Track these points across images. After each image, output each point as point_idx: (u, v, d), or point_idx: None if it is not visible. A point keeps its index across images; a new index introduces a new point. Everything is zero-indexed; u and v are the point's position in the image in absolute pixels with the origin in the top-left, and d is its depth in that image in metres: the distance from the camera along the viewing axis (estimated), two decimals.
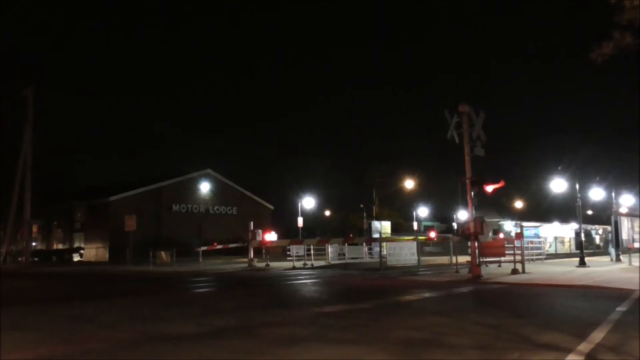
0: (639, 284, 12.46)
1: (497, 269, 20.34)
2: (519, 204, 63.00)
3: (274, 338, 6.22)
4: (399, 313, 8.98)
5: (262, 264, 25.53)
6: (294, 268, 23.51)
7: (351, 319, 7.96)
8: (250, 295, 12.78)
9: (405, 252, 25.90)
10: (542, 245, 31.49)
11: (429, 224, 59.13)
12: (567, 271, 18.86)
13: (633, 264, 21.82)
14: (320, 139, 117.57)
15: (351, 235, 43.92)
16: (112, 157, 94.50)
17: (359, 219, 54.55)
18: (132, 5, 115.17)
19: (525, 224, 32.28)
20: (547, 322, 7.48)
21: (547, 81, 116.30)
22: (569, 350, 5.35)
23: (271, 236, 27.52)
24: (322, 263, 26.34)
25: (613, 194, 28.40)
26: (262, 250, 28.11)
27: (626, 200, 31.57)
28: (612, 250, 26.10)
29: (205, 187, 44.58)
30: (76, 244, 42.83)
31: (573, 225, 36.00)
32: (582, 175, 25.44)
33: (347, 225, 59.40)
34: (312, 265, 25.38)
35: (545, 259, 28.92)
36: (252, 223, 26.07)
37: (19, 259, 32.33)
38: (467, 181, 16.08)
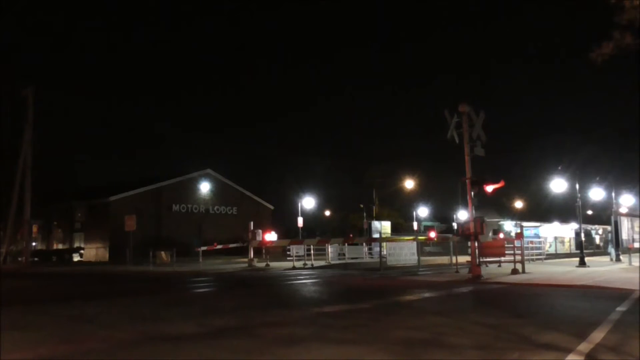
0: (639, 284, 12.47)
1: (497, 269, 20.34)
2: (519, 204, 63.01)
3: (274, 338, 6.22)
4: (399, 313, 8.98)
5: (262, 264, 25.52)
6: (294, 268, 23.51)
7: (351, 319, 7.96)
8: (250, 295, 12.78)
9: (405, 252, 25.89)
10: (542, 245, 31.49)
11: (429, 224, 59.14)
12: (567, 271, 18.86)
13: (633, 264, 21.82)
14: (320, 139, 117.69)
15: (351, 235, 43.91)
16: (112, 157, 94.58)
17: (359, 219, 54.56)
18: (132, 5, 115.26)
19: (525, 224, 32.29)
20: (547, 322, 7.48)
21: (547, 81, 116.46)
22: (569, 350, 5.35)
23: (271, 236, 27.52)
24: (322, 263, 26.34)
25: (613, 194, 28.41)
26: (262, 250, 28.11)
27: (626, 200, 31.59)
28: (612, 250, 26.11)
29: (205, 187, 44.58)
30: (76, 244, 42.82)
31: (573, 225, 36.00)
32: (582, 175, 25.48)
33: (347, 225, 59.41)
34: (312, 265, 25.38)
35: (545, 259, 28.91)
36: (252, 223, 26.07)
37: (19, 259, 32.32)
38: (467, 181, 16.08)
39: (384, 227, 37.98)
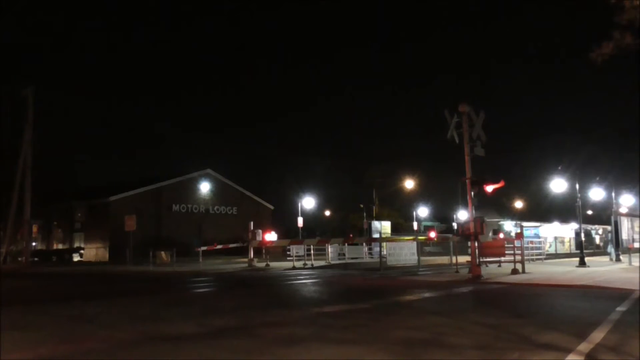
0: (639, 284, 12.47)
1: (497, 269, 20.34)
2: (519, 204, 63.01)
3: (274, 338, 6.22)
4: (399, 313, 8.98)
5: (262, 264, 25.53)
6: (294, 268, 23.51)
7: (351, 319, 7.96)
8: (250, 295, 12.78)
9: (405, 252, 25.90)
10: (542, 245, 31.49)
11: (429, 224, 59.13)
12: (567, 271, 18.86)
13: (633, 264, 21.83)
14: (320, 139, 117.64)
15: (351, 235, 43.91)
16: (112, 157, 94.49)
17: (359, 219, 54.57)
18: (132, 5, 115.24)
19: (525, 224, 32.29)
20: (547, 322, 7.48)
21: (547, 81, 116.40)
22: (569, 350, 5.35)
23: (271, 236, 27.52)
24: (322, 263, 26.34)
25: (613, 194, 28.41)
26: (262, 250, 28.11)
27: (626, 200, 31.59)
28: (612, 250, 26.12)
29: (205, 187, 44.58)
30: (76, 244, 42.83)
31: (573, 225, 36.00)
32: (582, 175, 25.48)
33: (347, 225, 59.41)
34: (312, 265, 25.38)
35: (545, 259, 28.92)
36: (252, 223, 26.08)
37: (19, 259, 32.31)
38: (467, 181, 16.08)
39: (384, 227, 37.98)
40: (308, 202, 40.48)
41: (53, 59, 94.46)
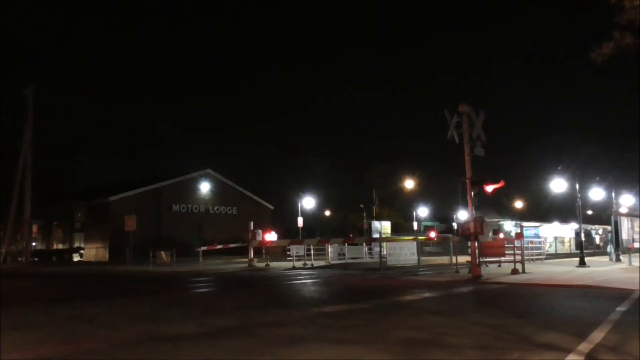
0: (639, 284, 12.47)
1: (497, 269, 20.34)
2: (519, 204, 63.01)
3: (274, 338, 6.22)
4: (399, 313, 8.98)
5: (262, 264, 25.53)
6: (294, 268, 23.51)
7: (351, 319, 7.96)
8: (250, 295, 12.78)
9: (405, 252, 25.90)
10: (542, 245, 31.49)
11: (429, 224, 59.11)
12: (567, 271, 18.86)
13: (633, 264, 21.83)
14: (320, 139, 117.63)
15: (351, 235, 43.91)
16: (112, 157, 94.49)
17: (359, 219, 54.56)
18: (132, 5, 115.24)
19: (525, 224, 32.28)
20: (547, 322, 7.48)
21: (547, 81, 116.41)
22: (569, 350, 5.35)
23: (271, 236, 27.52)
24: (322, 263, 26.34)
25: (613, 194, 28.42)
26: (262, 250, 28.11)
27: (626, 200, 31.60)
28: (612, 250, 26.12)
29: (205, 187, 44.57)
30: (76, 244, 42.82)
31: (573, 225, 35.99)
32: (582, 175, 25.48)
33: (347, 225, 59.40)
34: (312, 265, 25.38)
35: (545, 259, 28.92)
36: (252, 223, 26.08)
37: (19, 259, 32.32)
38: (467, 181, 16.08)
39: (384, 227, 37.98)
40: (308, 202, 40.48)
41: (53, 59, 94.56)
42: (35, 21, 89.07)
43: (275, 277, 19.03)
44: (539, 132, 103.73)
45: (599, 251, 37.58)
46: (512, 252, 19.41)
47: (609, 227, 30.49)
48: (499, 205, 55.43)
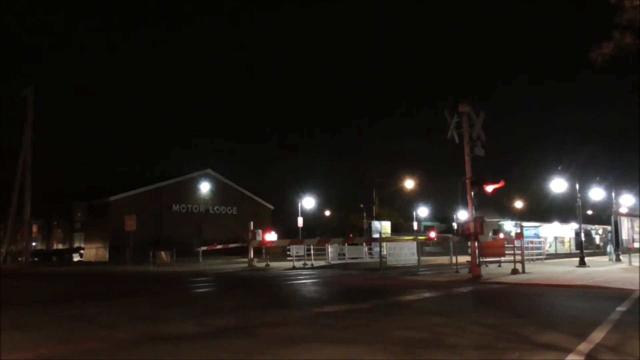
0: (639, 284, 12.47)
1: (497, 269, 20.34)
2: (519, 204, 63.00)
3: (274, 338, 6.22)
4: (399, 313, 8.98)
5: (262, 264, 25.52)
6: (294, 268, 23.51)
7: (351, 319, 7.96)
8: (250, 295, 12.78)
9: (405, 252, 25.90)
10: (542, 245, 31.49)
11: (429, 224, 59.12)
12: (567, 271, 18.86)
13: (633, 264, 21.83)
14: (320, 139, 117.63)
15: (351, 235, 43.91)
16: (112, 157, 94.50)
17: (359, 219, 54.56)
18: (132, 5, 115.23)
19: (525, 224, 32.27)
20: (547, 322, 7.48)
21: (547, 81, 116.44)
22: (569, 350, 5.35)
23: (271, 236, 27.51)
24: (322, 263, 26.34)
25: (613, 194, 28.42)
26: (262, 250, 28.11)
27: (626, 200, 31.60)
28: (611, 250, 26.11)
29: (205, 187, 44.58)
30: (76, 244, 42.82)
31: (573, 225, 35.99)
32: (582, 175, 25.49)
33: (347, 225, 59.39)
34: (312, 265, 25.38)
35: (545, 259, 28.92)
36: (252, 223, 26.07)
37: (19, 259, 32.32)
38: (467, 181, 16.08)
39: (384, 227, 37.97)
40: (308, 202, 40.46)
41: (53, 59, 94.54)
42: (35, 21, 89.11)
43: (275, 277, 19.03)
44: (539, 132, 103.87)
45: (599, 251, 37.57)
46: (512, 252, 19.41)
47: (609, 227, 30.49)
48: (499, 205, 55.45)
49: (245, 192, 49.32)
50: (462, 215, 39.37)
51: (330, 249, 28.19)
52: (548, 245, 35.40)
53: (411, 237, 28.45)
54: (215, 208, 46.22)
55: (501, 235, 28.25)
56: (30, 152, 31.42)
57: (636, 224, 29.52)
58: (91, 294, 12.76)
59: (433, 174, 72.45)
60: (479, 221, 16.08)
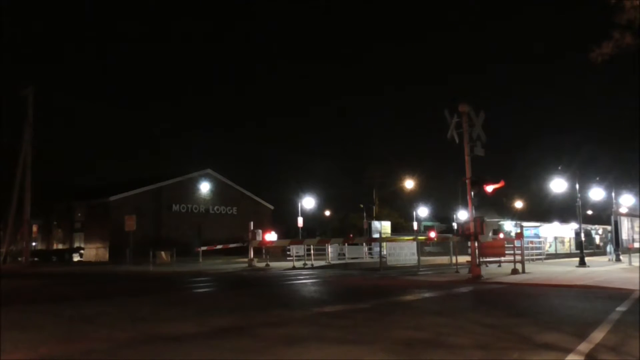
0: (639, 284, 12.47)
1: (497, 269, 20.34)
2: (519, 204, 62.97)
3: (274, 338, 6.22)
4: (399, 313, 8.98)
5: (262, 264, 25.52)
6: (294, 268, 23.51)
7: (351, 319, 7.95)
8: (250, 295, 12.77)
9: (405, 252, 25.90)
10: (542, 245, 31.47)
11: (429, 224, 59.12)
12: (567, 271, 18.86)
13: (633, 264, 21.83)
14: (320, 139, 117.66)
15: (351, 235, 43.87)
16: (112, 157, 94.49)
17: (359, 219, 54.53)
18: (132, 5, 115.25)
19: (525, 224, 32.25)
20: (547, 322, 7.47)
21: (547, 81, 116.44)
22: (569, 350, 5.35)
23: (271, 236, 27.50)
24: (322, 263, 26.33)
25: (613, 194, 28.43)
26: (262, 250, 28.10)
27: (626, 200, 31.61)
28: (611, 250, 26.11)
29: (205, 187, 44.58)
30: (76, 244, 42.81)
31: (573, 225, 35.97)
32: (582, 175, 25.48)
33: (347, 225, 59.36)
34: (312, 265, 25.37)
35: (545, 259, 28.91)
36: (252, 223, 26.06)
37: (19, 259, 32.34)
38: (467, 181, 16.08)
39: (384, 227, 37.92)
40: (308, 202, 40.42)
41: (53, 59, 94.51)
42: (35, 22, 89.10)
43: (275, 277, 19.03)
44: (539, 132, 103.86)
45: (599, 251, 37.55)
46: (512, 252, 19.40)
47: (609, 227, 30.51)
48: (499, 205, 55.45)
49: (245, 192, 49.29)
50: (462, 215, 39.41)
51: (330, 249, 28.19)
52: (548, 245, 35.38)
53: (411, 237, 28.44)
54: (215, 208, 46.20)
55: (501, 235, 28.23)
56: (30, 152, 31.44)
57: (636, 224, 29.53)
58: (91, 294, 12.76)
59: (433, 174, 72.56)
60: (479, 221, 16.08)
